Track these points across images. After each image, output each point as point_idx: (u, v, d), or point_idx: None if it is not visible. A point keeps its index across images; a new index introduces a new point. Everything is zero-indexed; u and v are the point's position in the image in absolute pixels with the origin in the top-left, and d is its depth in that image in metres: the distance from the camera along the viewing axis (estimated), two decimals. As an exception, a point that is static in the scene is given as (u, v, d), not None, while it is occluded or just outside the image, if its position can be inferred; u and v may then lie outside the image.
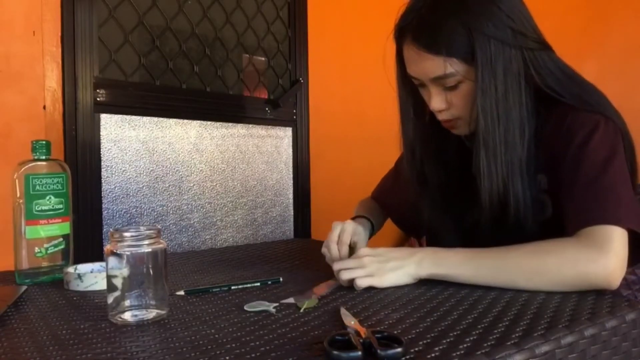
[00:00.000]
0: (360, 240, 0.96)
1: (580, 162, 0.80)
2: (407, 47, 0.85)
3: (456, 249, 0.81)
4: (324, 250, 0.95)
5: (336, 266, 0.83)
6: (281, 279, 0.86)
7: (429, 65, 0.83)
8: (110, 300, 0.64)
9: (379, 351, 0.50)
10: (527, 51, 0.82)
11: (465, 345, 0.53)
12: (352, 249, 0.94)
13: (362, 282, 0.79)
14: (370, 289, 0.79)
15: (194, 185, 1.57)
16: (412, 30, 0.83)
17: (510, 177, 0.83)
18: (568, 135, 0.82)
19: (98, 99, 1.37)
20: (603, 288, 0.74)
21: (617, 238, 0.74)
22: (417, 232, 1.15)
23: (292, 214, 1.82)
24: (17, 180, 0.88)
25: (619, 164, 0.79)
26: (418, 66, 0.85)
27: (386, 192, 1.19)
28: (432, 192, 0.97)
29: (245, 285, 0.82)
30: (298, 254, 1.17)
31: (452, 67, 0.81)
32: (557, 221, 0.82)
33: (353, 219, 1.06)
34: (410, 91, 0.92)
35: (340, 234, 0.94)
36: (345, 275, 0.80)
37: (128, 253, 0.64)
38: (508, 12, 0.81)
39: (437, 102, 0.86)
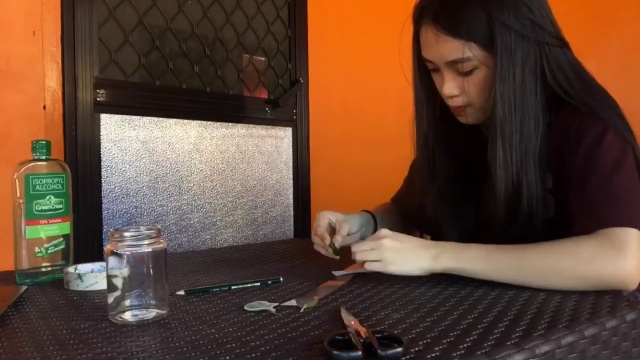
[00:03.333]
0: (344, 225, 0.97)
1: (592, 162, 0.79)
2: (425, 29, 0.86)
3: (472, 244, 0.81)
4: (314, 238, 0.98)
5: (354, 248, 0.83)
6: (281, 279, 0.86)
7: (447, 48, 0.83)
8: (110, 300, 0.64)
9: (379, 351, 0.50)
10: (543, 45, 0.82)
11: (465, 345, 0.53)
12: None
13: (371, 267, 0.80)
14: (371, 288, 0.79)
15: (194, 185, 1.57)
16: (433, 11, 0.84)
17: (524, 167, 0.83)
18: (579, 134, 0.81)
19: (98, 99, 1.37)
20: (619, 289, 0.74)
21: (634, 240, 0.73)
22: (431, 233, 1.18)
23: (292, 214, 1.82)
24: (17, 180, 0.88)
25: (630, 165, 0.79)
26: (435, 48, 0.85)
27: (402, 195, 1.20)
28: (439, 185, 0.97)
29: (245, 285, 0.82)
30: (298, 254, 1.17)
31: (471, 51, 0.82)
32: (559, 221, 0.82)
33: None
34: (426, 77, 0.92)
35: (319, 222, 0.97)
36: (359, 257, 0.82)
37: (128, 253, 0.64)
38: (529, 4, 0.81)
39: (449, 87, 0.86)
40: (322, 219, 0.98)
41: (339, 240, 0.93)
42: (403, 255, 0.80)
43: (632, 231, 0.74)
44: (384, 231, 0.83)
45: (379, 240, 0.81)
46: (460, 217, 0.96)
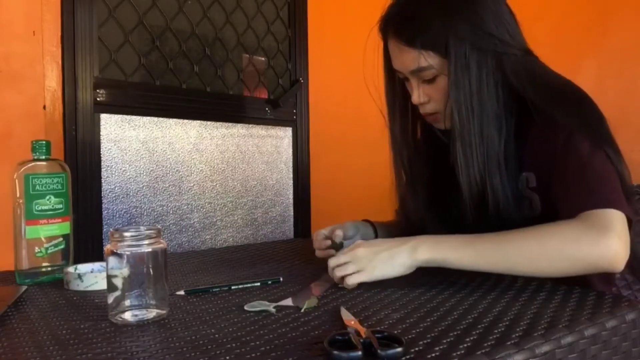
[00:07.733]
0: (337, 231, 0.98)
1: (569, 151, 0.80)
2: (390, 41, 0.89)
3: (452, 235, 0.80)
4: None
5: (331, 263, 0.82)
6: (281, 279, 0.86)
7: (407, 58, 0.85)
8: (110, 300, 0.64)
9: (379, 351, 0.50)
10: (499, 55, 0.83)
11: (465, 345, 0.53)
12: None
13: (351, 281, 0.77)
14: (369, 287, 0.79)
15: (194, 185, 1.57)
16: (394, 24, 0.87)
17: (487, 170, 0.83)
18: (556, 130, 0.81)
19: (98, 99, 1.37)
20: (607, 271, 0.72)
21: (618, 220, 0.72)
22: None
23: (292, 214, 1.82)
24: (17, 180, 0.88)
25: (603, 155, 0.79)
26: (399, 59, 0.88)
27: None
28: (416, 186, 0.97)
29: (245, 285, 0.82)
30: (298, 254, 1.17)
31: (427, 60, 0.83)
32: (547, 219, 0.82)
33: None
34: (397, 86, 0.94)
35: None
36: (338, 273, 0.80)
37: (128, 253, 0.64)
38: (483, 16, 0.82)
39: (416, 95, 0.88)
40: (318, 234, 1.00)
41: (339, 236, 0.95)
42: (379, 257, 0.78)
43: (614, 212, 0.73)
44: (358, 241, 0.83)
45: (353, 250, 0.80)
46: (440, 216, 0.95)
